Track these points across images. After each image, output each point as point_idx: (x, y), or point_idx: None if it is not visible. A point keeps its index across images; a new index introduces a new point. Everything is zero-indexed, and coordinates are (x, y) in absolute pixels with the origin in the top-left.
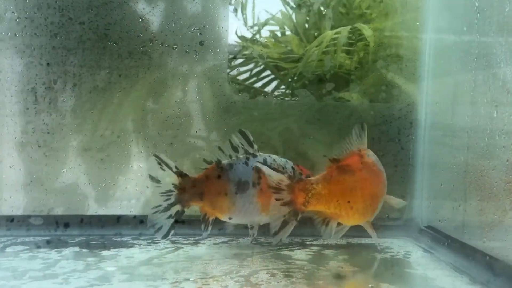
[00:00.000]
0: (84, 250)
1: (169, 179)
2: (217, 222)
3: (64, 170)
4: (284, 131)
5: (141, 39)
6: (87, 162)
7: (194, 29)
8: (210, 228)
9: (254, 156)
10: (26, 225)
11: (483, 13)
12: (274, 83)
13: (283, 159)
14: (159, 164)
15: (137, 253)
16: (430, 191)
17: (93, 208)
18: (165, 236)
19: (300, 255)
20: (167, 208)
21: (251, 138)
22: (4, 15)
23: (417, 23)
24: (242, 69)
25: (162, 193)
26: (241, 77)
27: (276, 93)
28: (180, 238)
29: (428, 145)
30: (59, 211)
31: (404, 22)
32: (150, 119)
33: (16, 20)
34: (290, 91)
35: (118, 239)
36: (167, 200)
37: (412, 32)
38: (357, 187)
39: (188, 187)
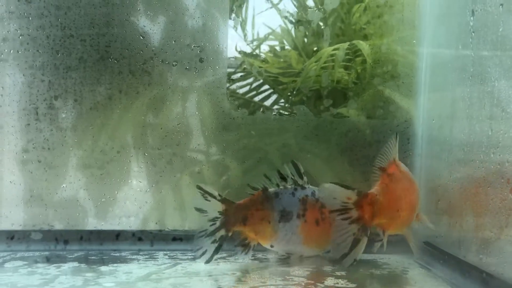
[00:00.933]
0: (83, 266)
1: (215, 207)
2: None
3: (64, 185)
4: (282, 146)
5: (141, 56)
6: (87, 178)
7: (194, 46)
8: (250, 252)
9: (303, 188)
10: (26, 240)
11: (477, 33)
12: (274, 98)
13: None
14: (203, 195)
15: (136, 269)
16: (428, 207)
17: (92, 224)
18: (208, 261)
19: (298, 271)
20: (212, 233)
21: (302, 170)
22: (8, 33)
23: (414, 41)
24: (242, 83)
25: (209, 220)
26: (241, 92)
27: (275, 107)
28: (179, 254)
29: (425, 161)
30: (58, 226)
31: (401, 39)
32: (150, 135)
33: (19, 37)
34: (289, 106)
35: (117, 255)
36: (212, 225)
37: (409, 49)
38: (403, 196)
39: (232, 213)
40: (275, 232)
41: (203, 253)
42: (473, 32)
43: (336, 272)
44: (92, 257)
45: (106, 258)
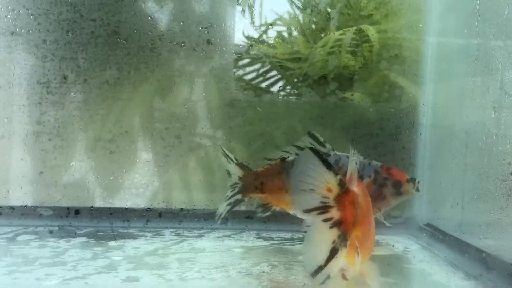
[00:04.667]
0: (92, 241)
1: (235, 172)
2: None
3: (73, 163)
4: (288, 129)
5: (150, 37)
6: (96, 156)
7: (201, 27)
8: (268, 213)
9: (328, 155)
10: (36, 215)
11: (483, 16)
12: (280, 83)
13: (364, 160)
14: (225, 156)
15: (143, 244)
16: (430, 190)
17: (101, 200)
18: (218, 218)
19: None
20: (230, 197)
21: (322, 139)
22: (19, 12)
23: (420, 25)
24: (249, 69)
25: (230, 185)
26: (247, 77)
27: (282, 93)
28: (185, 231)
29: (429, 144)
30: (68, 202)
31: (407, 23)
32: (157, 115)
33: (30, 16)
34: (296, 91)
35: (125, 231)
36: (232, 191)
37: (415, 34)
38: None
39: (249, 179)
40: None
41: (220, 216)
42: (479, 15)
43: None
44: (101, 233)
45: (115, 234)
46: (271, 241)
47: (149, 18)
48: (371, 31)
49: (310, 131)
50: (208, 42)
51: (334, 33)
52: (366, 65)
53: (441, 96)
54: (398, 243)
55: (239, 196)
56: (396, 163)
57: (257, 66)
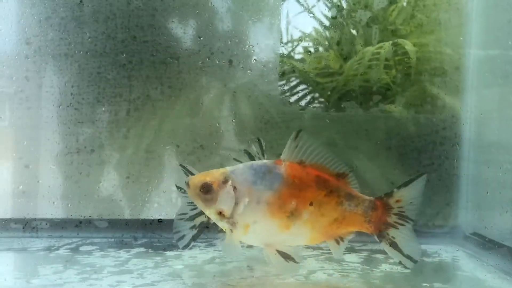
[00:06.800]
0: (150, 251)
1: None
2: None
3: (128, 176)
4: (328, 142)
5: (199, 56)
6: (149, 168)
7: (248, 46)
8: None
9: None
10: (94, 227)
11: None
12: (313, 97)
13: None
14: (185, 173)
15: (199, 254)
16: (475, 199)
17: (153, 213)
18: (186, 246)
19: (352, 258)
20: (191, 218)
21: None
22: (78, 36)
23: (461, 38)
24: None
25: (189, 202)
26: (288, 93)
27: (319, 106)
28: None
29: (473, 154)
30: (120, 215)
31: (447, 36)
32: (204, 131)
33: (87, 40)
34: (336, 105)
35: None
36: (193, 209)
37: (456, 46)
38: None
39: None
40: None
41: (181, 238)
42: None
43: (390, 259)
44: (156, 244)
45: (169, 245)
46: (321, 251)
47: (198, 38)
48: (407, 44)
49: (258, 137)
50: (255, 59)
51: (371, 47)
52: (406, 77)
53: (485, 106)
54: (445, 252)
55: (203, 218)
56: (440, 173)
57: (297, 82)
